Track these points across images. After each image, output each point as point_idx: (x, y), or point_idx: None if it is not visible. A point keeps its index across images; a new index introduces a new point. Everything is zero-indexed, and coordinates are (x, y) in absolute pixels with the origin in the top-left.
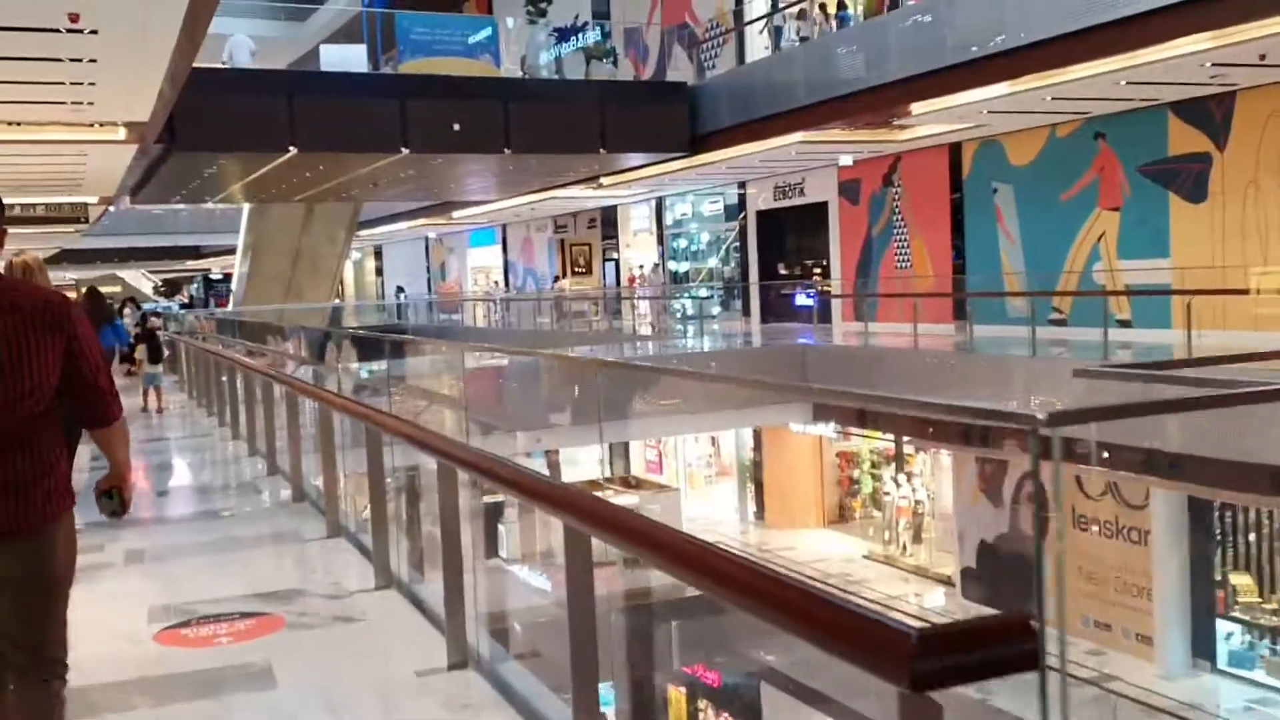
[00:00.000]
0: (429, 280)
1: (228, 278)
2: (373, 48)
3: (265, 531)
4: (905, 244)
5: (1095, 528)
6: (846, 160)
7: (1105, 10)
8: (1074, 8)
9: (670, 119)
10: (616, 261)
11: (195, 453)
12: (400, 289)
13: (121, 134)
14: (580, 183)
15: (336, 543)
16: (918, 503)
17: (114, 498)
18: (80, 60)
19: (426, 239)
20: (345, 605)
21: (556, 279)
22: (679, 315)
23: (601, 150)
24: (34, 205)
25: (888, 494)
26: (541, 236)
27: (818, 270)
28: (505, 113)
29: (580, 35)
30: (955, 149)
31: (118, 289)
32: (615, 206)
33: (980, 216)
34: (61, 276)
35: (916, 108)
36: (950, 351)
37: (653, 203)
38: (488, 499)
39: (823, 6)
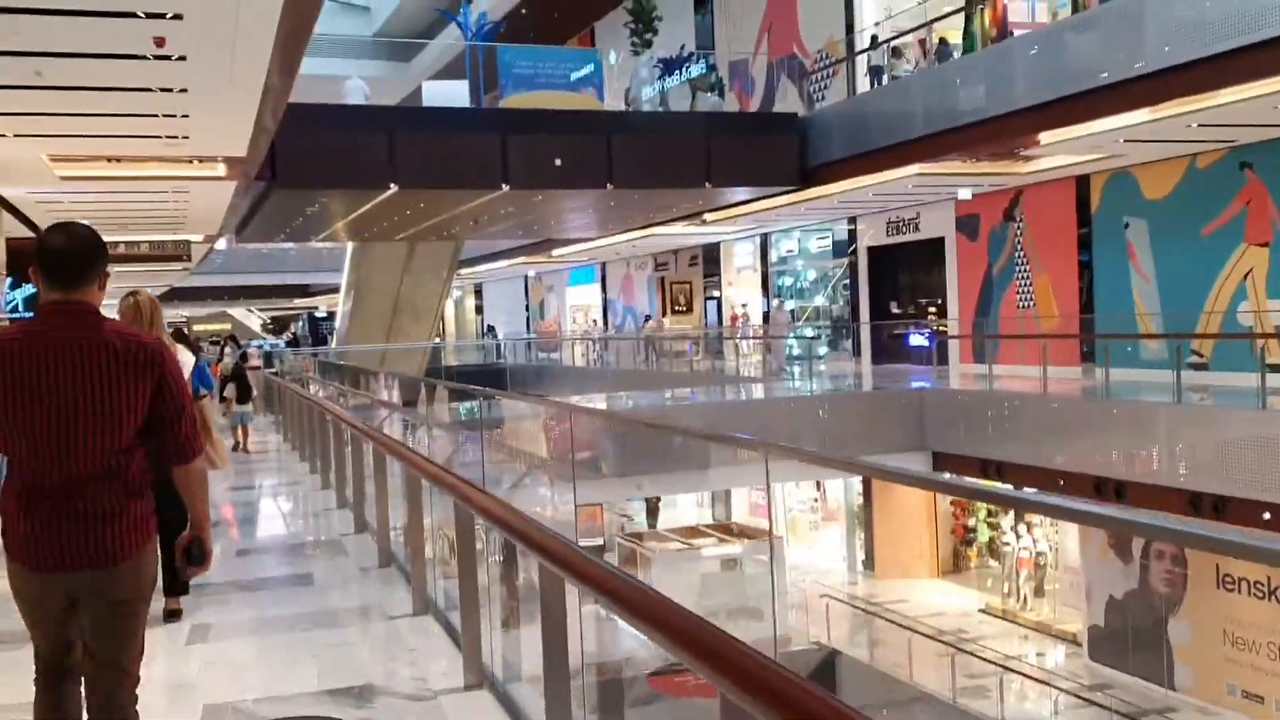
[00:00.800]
0: (528, 319)
1: (332, 315)
2: (475, 84)
3: (346, 604)
4: (1028, 282)
5: (1244, 588)
6: (965, 194)
7: (1262, 29)
8: (1225, 28)
9: (779, 151)
10: (719, 300)
11: (282, 502)
12: (491, 328)
13: (221, 170)
14: (683, 219)
15: (423, 622)
16: (1039, 554)
17: (194, 552)
18: (171, 90)
19: (525, 277)
20: (429, 711)
21: (646, 319)
22: (785, 356)
23: (707, 184)
24: (138, 243)
25: (1007, 544)
26: (642, 274)
27: (933, 309)
28: (608, 147)
29: (686, 68)
30: (1083, 181)
31: (227, 326)
32: (718, 243)
33: (1110, 253)
34: (174, 314)
35: (1045, 137)
36: (1088, 398)
37: (757, 239)
38: (586, 541)
39: (922, 42)
